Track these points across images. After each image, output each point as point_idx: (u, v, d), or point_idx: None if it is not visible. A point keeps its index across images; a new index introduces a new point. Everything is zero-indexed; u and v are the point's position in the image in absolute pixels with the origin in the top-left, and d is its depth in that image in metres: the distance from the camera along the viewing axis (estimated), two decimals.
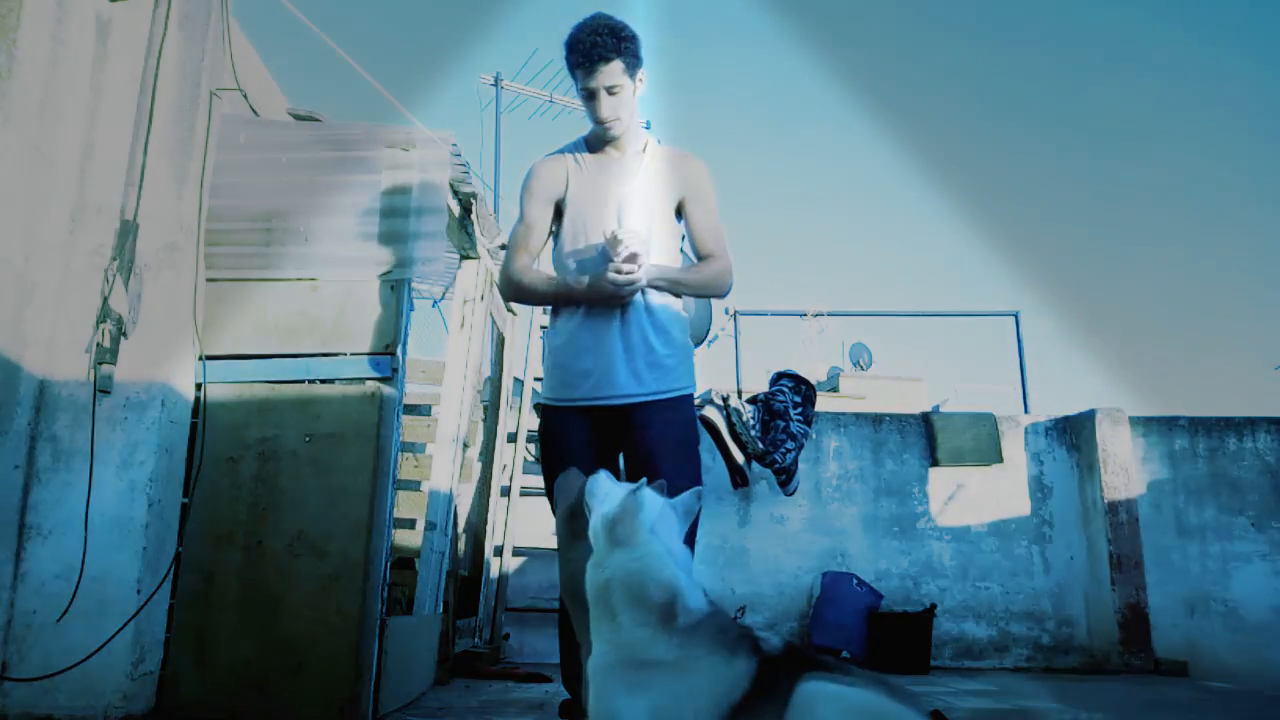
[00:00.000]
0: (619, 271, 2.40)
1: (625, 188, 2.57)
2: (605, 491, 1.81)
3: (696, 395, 2.69)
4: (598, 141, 2.63)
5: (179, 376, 2.92)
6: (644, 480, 1.79)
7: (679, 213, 2.65)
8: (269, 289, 3.12)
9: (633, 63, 2.51)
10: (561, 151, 2.68)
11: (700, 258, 2.65)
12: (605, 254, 2.47)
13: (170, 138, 2.99)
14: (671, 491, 2.01)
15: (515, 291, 2.65)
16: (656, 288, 2.50)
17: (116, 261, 2.84)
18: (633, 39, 2.51)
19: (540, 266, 2.66)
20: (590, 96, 2.51)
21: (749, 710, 1.55)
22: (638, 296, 2.48)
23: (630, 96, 2.54)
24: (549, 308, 2.78)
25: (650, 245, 2.51)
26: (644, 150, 2.64)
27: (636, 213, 2.55)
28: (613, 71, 2.48)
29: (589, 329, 2.49)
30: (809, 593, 5.78)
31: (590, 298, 2.47)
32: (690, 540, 2.32)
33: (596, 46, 2.45)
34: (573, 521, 2.20)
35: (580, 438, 2.48)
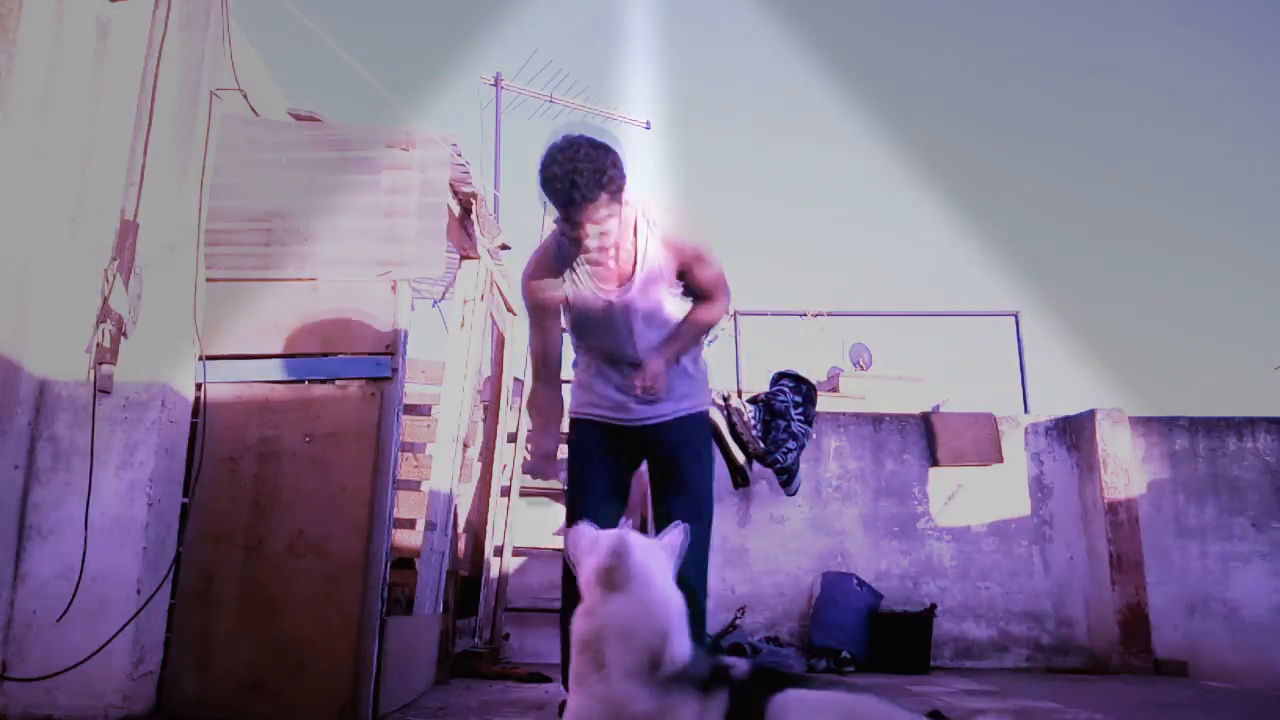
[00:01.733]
0: (645, 390, 2.49)
1: (626, 297, 2.50)
2: (591, 540, 1.77)
3: None
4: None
5: (179, 376, 2.92)
6: (628, 523, 1.87)
7: (682, 274, 2.59)
8: (269, 289, 3.12)
9: (617, 188, 2.29)
10: (547, 250, 2.52)
11: (701, 298, 2.64)
12: (621, 358, 2.57)
13: (170, 138, 2.99)
14: (689, 500, 2.20)
15: (535, 409, 2.74)
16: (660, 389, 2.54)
17: (116, 261, 2.84)
18: (614, 168, 2.28)
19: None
20: (572, 229, 2.33)
21: None
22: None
23: (616, 215, 2.33)
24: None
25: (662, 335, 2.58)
26: (634, 236, 2.45)
27: (642, 317, 2.52)
28: (592, 210, 2.27)
29: (614, 370, 2.59)
30: (809, 593, 5.78)
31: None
32: (703, 556, 2.46)
33: (576, 190, 2.23)
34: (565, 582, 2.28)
35: (603, 444, 2.64)
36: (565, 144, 2.28)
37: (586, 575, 1.69)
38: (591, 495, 2.63)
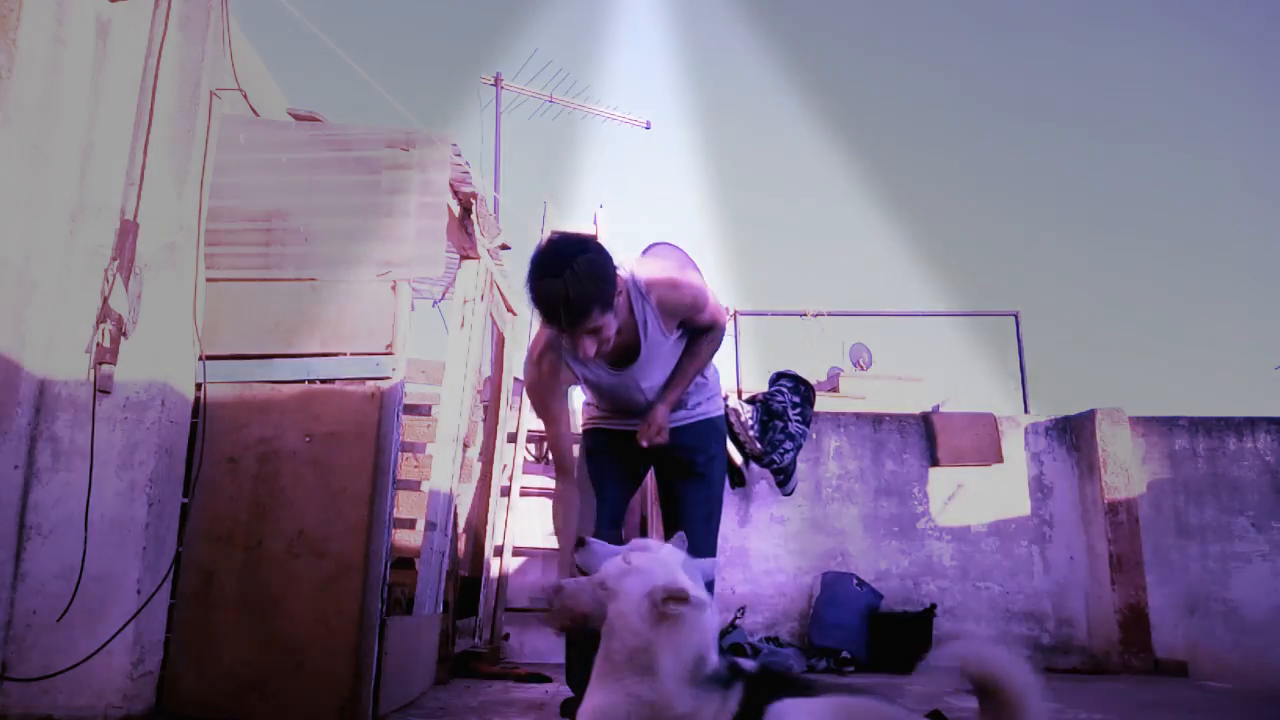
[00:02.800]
0: (651, 442, 2.52)
1: (631, 369, 2.51)
2: (623, 563, 1.83)
3: None
4: None
5: (179, 376, 2.92)
6: (677, 536, 1.96)
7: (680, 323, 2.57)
8: (269, 289, 3.12)
9: (609, 298, 2.23)
10: (547, 341, 2.46)
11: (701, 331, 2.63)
12: (634, 407, 2.58)
13: (170, 138, 2.99)
14: (702, 495, 2.56)
15: (554, 511, 2.65)
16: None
17: (116, 261, 2.84)
18: (604, 285, 2.20)
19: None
20: (572, 339, 2.28)
21: None
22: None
23: (612, 319, 2.28)
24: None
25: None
26: (631, 315, 2.43)
27: (649, 377, 2.54)
28: (590, 320, 2.21)
29: (622, 392, 2.59)
30: (809, 593, 5.78)
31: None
32: (712, 550, 2.66)
33: (570, 312, 2.18)
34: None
35: (616, 448, 2.65)
36: (551, 258, 2.20)
37: (635, 598, 1.76)
38: (603, 499, 2.65)
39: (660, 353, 2.52)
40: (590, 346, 2.26)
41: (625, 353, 2.47)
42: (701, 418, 2.69)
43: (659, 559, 1.84)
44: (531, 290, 2.22)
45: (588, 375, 2.54)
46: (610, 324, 2.27)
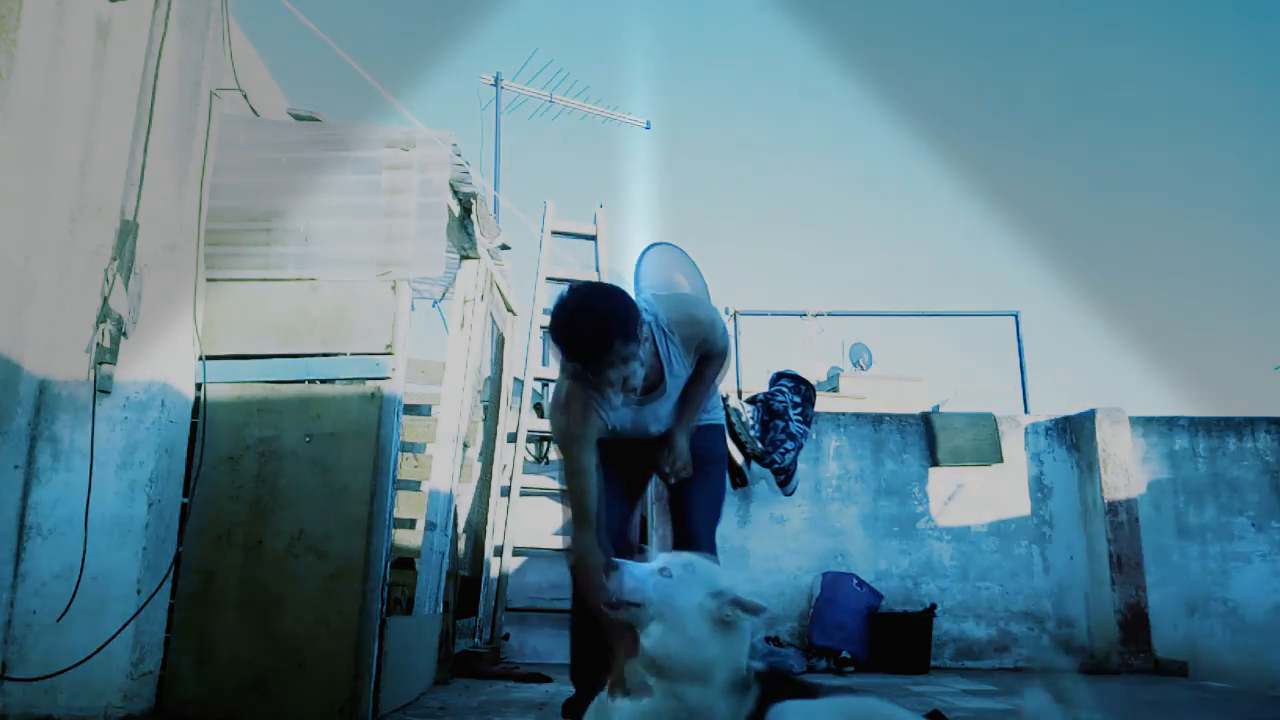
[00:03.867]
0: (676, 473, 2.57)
1: (655, 403, 2.53)
2: (663, 576, 1.84)
3: None
4: None
5: (179, 376, 2.92)
6: (696, 558, 1.93)
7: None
8: (269, 289, 3.12)
9: (634, 338, 2.23)
10: (574, 388, 2.43)
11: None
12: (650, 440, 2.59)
13: (170, 138, 2.99)
14: (707, 497, 2.69)
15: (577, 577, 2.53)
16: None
17: (116, 261, 2.84)
18: (628, 326, 2.21)
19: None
20: (597, 374, 2.26)
21: None
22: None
23: (636, 357, 2.27)
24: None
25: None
26: (656, 355, 2.44)
27: (668, 404, 2.58)
28: (614, 360, 2.22)
29: (639, 424, 2.59)
30: (809, 593, 5.78)
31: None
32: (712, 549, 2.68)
33: (595, 352, 2.19)
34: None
35: (619, 454, 2.62)
36: (574, 313, 2.23)
37: (692, 618, 1.77)
38: (610, 509, 2.65)
39: (680, 384, 2.57)
40: (616, 383, 2.25)
41: (650, 389, 2.50)
42: (707, 422, 2.72)
43: (695, 564, 1.86)
44: (555, 329, 2.24)
45: (614, 418, 2.49)
46: (633, 361, 2.25)
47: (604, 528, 2.59)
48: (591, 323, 2.19)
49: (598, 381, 2.26)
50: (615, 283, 2.48)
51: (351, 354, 3.06)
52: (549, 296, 5.56)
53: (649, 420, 2.58)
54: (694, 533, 2.63)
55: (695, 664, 1.74)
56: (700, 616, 1.76)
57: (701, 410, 2.64)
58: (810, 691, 1.77)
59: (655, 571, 1.84)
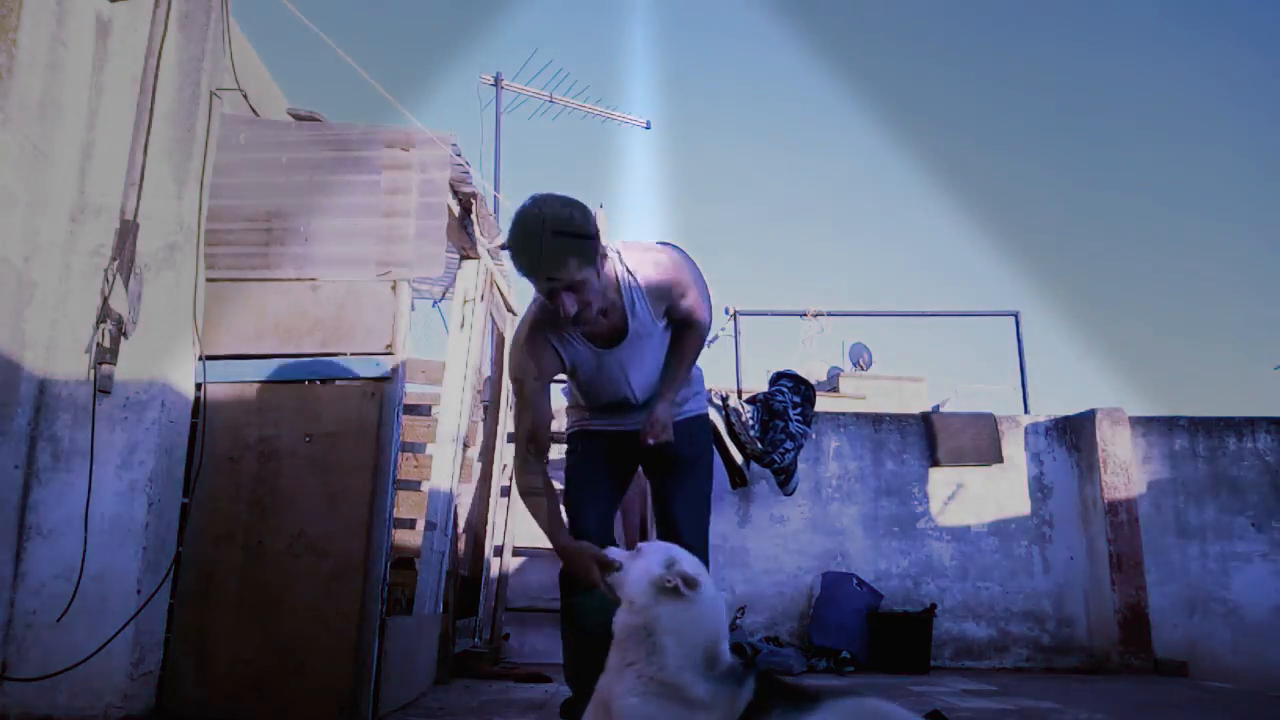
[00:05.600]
0: (657, 440, 2.48)
1: (618, 352, 2.47)
2: (628, 554, 1.99)
3: None
4: None
5: (179, 376, 2.92)
6: (673, 547, 2.00)
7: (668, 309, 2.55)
8: (269, 289, 3.12)
9: (590, 252, 2.21)
10: (535, 320, 2.42)
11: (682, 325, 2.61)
12: (622, 404, 2.56)
13: (170, 138, 2.99)
14: (691, 497, 2.58)
15: (529, 504, 2.50)
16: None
17: (116, 261, 2.84)
18: (585, 233, 2.19)
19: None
20: (549, 295, 2.24)
21: None
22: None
23: (595, 280, 2.25)
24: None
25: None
26: (619, 294, 2.40)
27: (638, 366, 2.52)
28: (568, 270, 2.18)
29: (609, 382, 2.56)
30: (809, 593, 5.78)
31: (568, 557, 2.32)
32: (703, 554, 2.56)
33: (542, 254, 2.16)
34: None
35: (602, 450, 2.62)
36: (529, 212, 2.20)
37: (637, 586, 1.89)
38: (592, 503, 2.63)
39: (650, 341, 2.50)
40: (570, 304, 2.21)
41: (613, 336, 2.45)
42: (690, 414, 2.68)
43: (667, 547, 1.96)
44: (510, 239, 2.20)
45: (576, 359, 2.47)
46: (592, 282, 2.23)
47: (592, 527, 2.58)
48: (549, 229, 2.14)
49: (552, 303, 2.24)
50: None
51: (351, 354, 3.06)
52: None
53: (616, 373, 2.49)
54: (677, 528, 2.60)
55: (636, 630, 1.83)
56: (646, 581, 1.86)
57: (680, 383, 2.56)
58: (811, 697, 1.74)
59: (635, 553, 2.00)
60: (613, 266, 2.38)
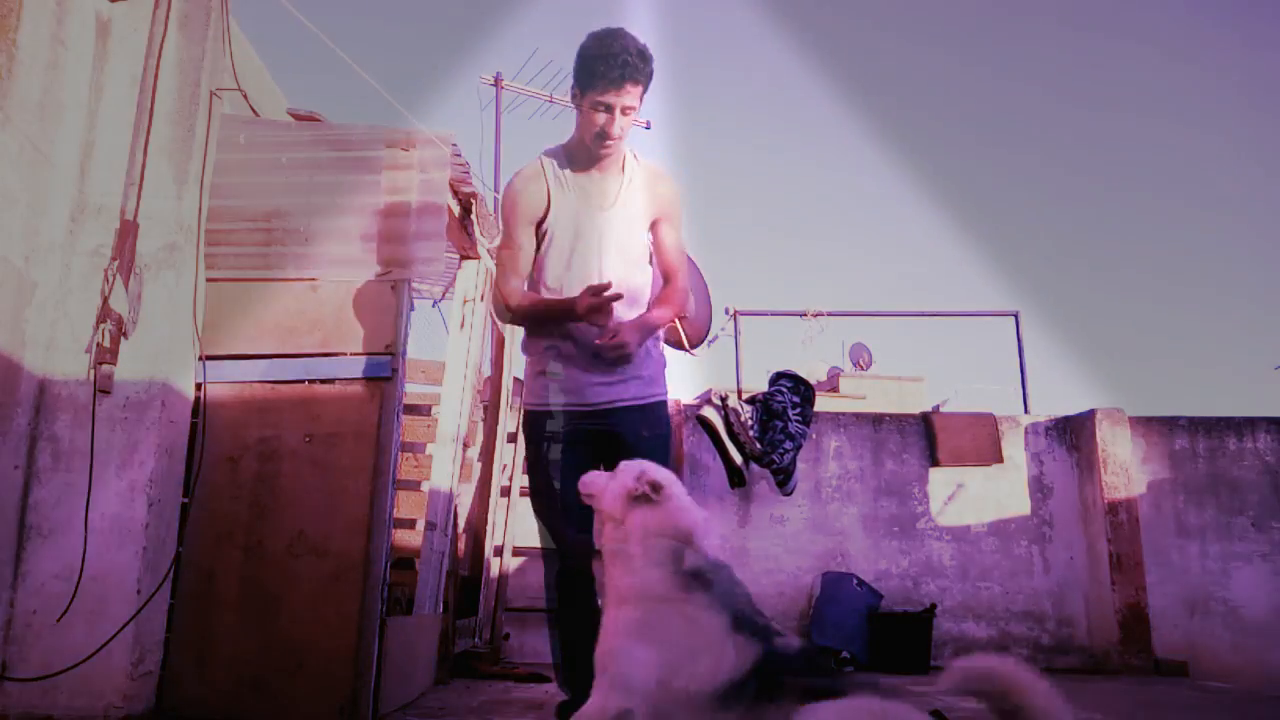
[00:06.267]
0: (610, 349, 2.48)
1: (605, 214, 2.58)
2: (607, 476, 2.06)
3: (695, 396, 2.78)
4: (582, 155, 2.59)
5: (179, 376, 2.92)
6: (648, 464, 2.04)
7: (651, 228, 2.69)
8: (269, 289, 3.12)
9: (648, 88, 2.50)
10: (541, 161, 2.63)
11: (664, 273, 2.72)
12: (585, 347, 2.57)
13: (170, 138, 2.99)
14: None
15: (512, 316, 2.68)
16: (629, 352, 2.51)
17: (116, 261, 2.84)
18: (652, 72, 2.49)
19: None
20: (606, 110, 2.46)
21: (747, 699, 1.64)
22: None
23: (637, 114, 2.52)
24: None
25: (630, 282, 2.60)
26: (623, 169, 2.63)
27: (615, 242, 2.60)
28: (635, 93, 2.46)
29: (574, 347, 2.58)
30: (809, 593, 5.78)
31: (586, 318, 2.48)
32: None
33: (629, 66, 2.41)
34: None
35: (564, 436, 2.60)
36: (617, 31, 2.45)
37: (613, 499, 1.99)
38: (566, 503, 2.60)
39: (633, 226, 2.60)
40: (620, 125, 2.46)
41: (603, 200, 2.57)
42: (656, 399, 2.68)
43: (640, 463, 2.04)
44: (599, 44, 2.43)
45: (559, 211, 2.56)
46: (633, 122, 2.50)
47: (573, 527, 2.57)
48: (640, 51, 2.42)
49: (608, 115, 2.44)
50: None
51: (351, 354, 3.06)
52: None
53: (592, 242, 2.55)
54: None
55: (615, 538, 1.94)
56: (621, 494, 1.97)
57: (653, 326, 2.60)
58: (834, 690, 1.71)
59: (613, 474, 2.07)
60: (621, 146, 2.59)
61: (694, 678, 1.67)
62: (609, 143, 2.50)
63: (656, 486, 1.94)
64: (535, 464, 2.65)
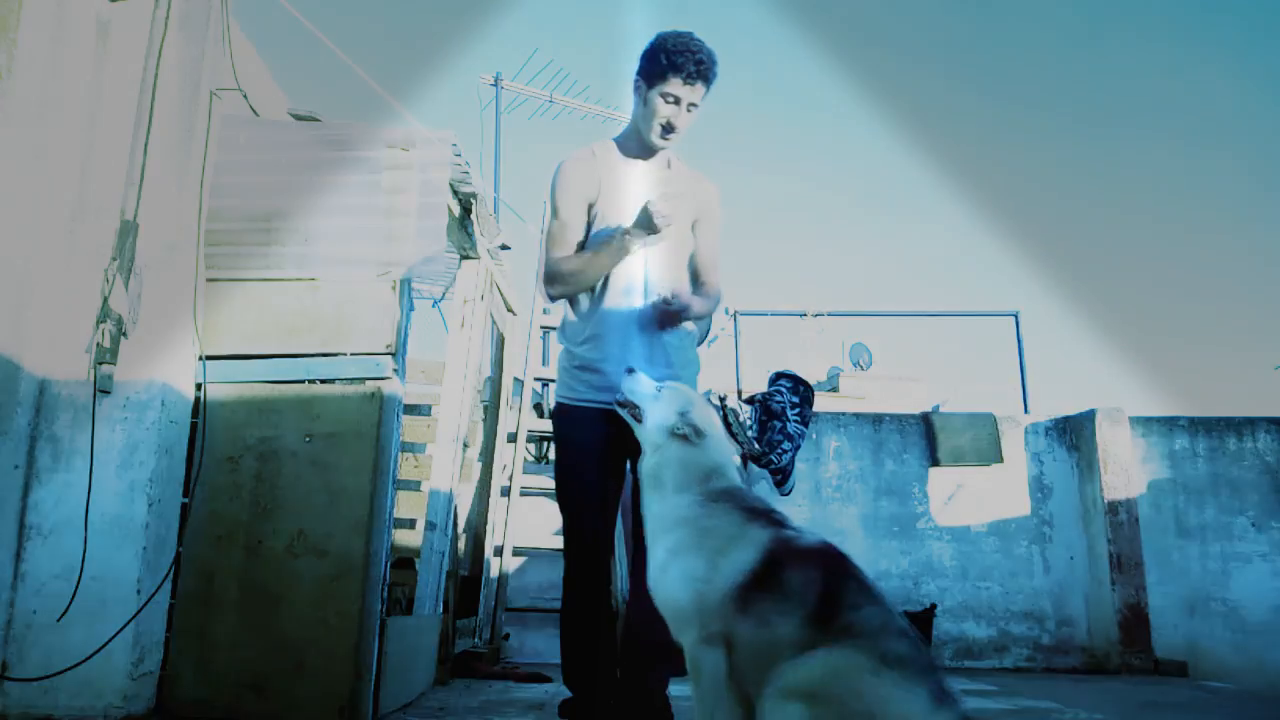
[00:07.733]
0: (669, 312, 2.56)
1: (654, 207, 2.60)
2: (654, 390, 2.23)
3: None
4: (633, 147, 2.68)
5: (179, 376, 2.92)
6: (685, 389, 2.25)
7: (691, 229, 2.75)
8: (269, 289, 3.12)
9: (708, 89, 2.60)
10: (593, 148, 2.71)
11: (699, 278, 2.78)
12: (629, 335, 2.63)
13: (170, 138, 2.99)
14: None
15: (561, 279, 2.69)
16: (686, 316, 2.62)
17: (116, 261, 2.84)
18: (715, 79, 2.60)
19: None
20: (674, 102, 2.55)
21: (764, 589, 1.78)
22: (654, 329, 2.63)
23: (694, 119, 2.62)
24: (557, 308, 2.83)
25: (673, 274, 2.67)
26: (669, 166, 2.72)
27: (665, 251, 2.66)
28: (702, 93, 2.56)
29: (615, 337, 2.61)
30: None
31: (623, 247, 2.57)
32: None
33: (704, 65, 2.52)
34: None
35: (595, 434, 2.61)
36: (692, 34, 2.55)
37: (654, 428, 2.15)
38: (588, 511, 2.62)
39: (678, 228, 2.64)
40: (684, 120, 2.56)
41: (650, 188, 2.64)
42: None
43: (685, 396, 2.21)
44: (677, 40, 2.52)
45: (611, 200, 2.62)
46: (697, 113, 2.59)
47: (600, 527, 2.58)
48: (713, 57, 2.54)
49: (677, 99, 2.53)
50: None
51: (351, 354, 3.06)
52: (548, 298, 5.56)
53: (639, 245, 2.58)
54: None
55: (656, 465, 2.11)
56: (663, 428, 2.13)
57: (696, 310, 2.66)
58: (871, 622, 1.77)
59: (656, 388, 2.25)
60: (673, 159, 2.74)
61: (713, 555, 1.88)
62: (671, 135, 2.59)
63: (699, 433, 2.09)
64: (566, 452, 2.69)
